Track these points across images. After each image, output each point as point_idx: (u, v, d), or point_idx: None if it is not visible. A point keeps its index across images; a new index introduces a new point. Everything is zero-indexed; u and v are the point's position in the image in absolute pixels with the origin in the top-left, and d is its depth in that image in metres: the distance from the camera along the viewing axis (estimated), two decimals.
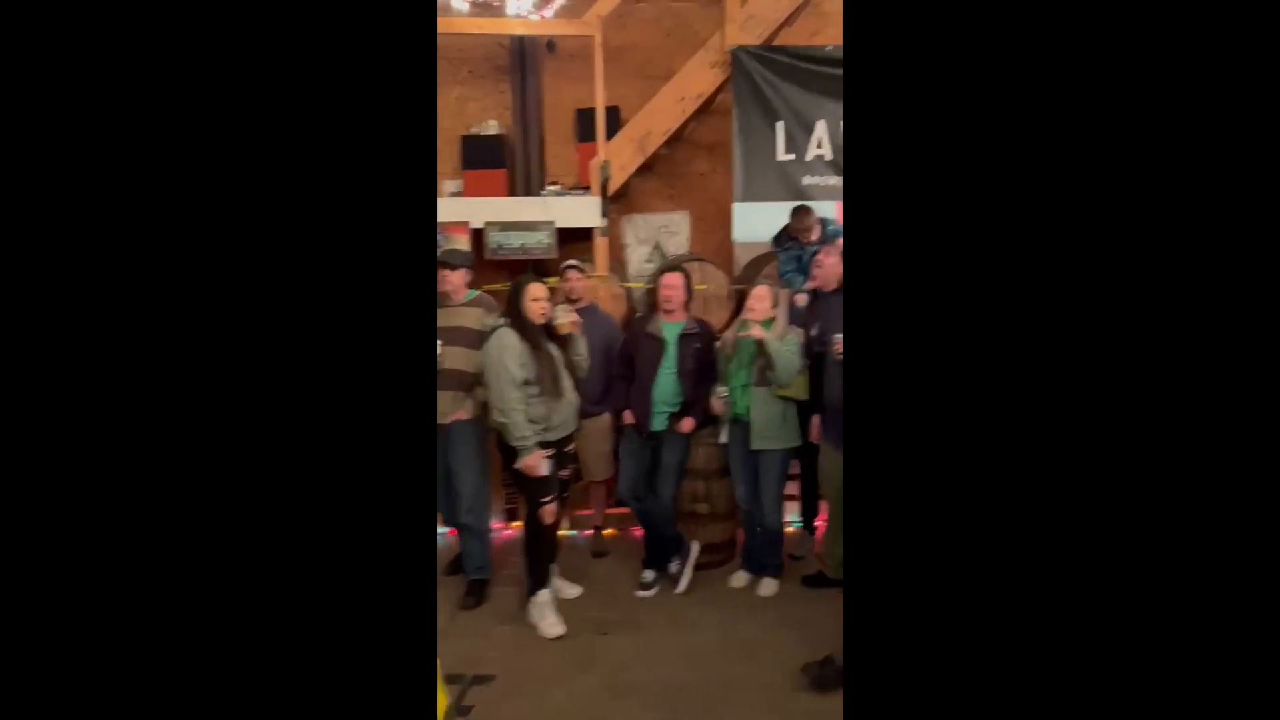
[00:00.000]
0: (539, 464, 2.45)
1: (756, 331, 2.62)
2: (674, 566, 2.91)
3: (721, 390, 2.79)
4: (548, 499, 2.52)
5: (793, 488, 3.09)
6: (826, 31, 4.72)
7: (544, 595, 2.62)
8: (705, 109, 4.06)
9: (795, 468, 2.98)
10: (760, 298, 2.72)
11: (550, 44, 4.23)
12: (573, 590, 2.86)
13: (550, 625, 2.57)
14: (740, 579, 2.95)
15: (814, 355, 2.72)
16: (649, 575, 2.92)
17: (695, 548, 2.94)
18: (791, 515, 3.19)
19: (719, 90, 3.90)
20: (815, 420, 2.79)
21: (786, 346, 2.65)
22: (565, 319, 2.53)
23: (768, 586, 2.88)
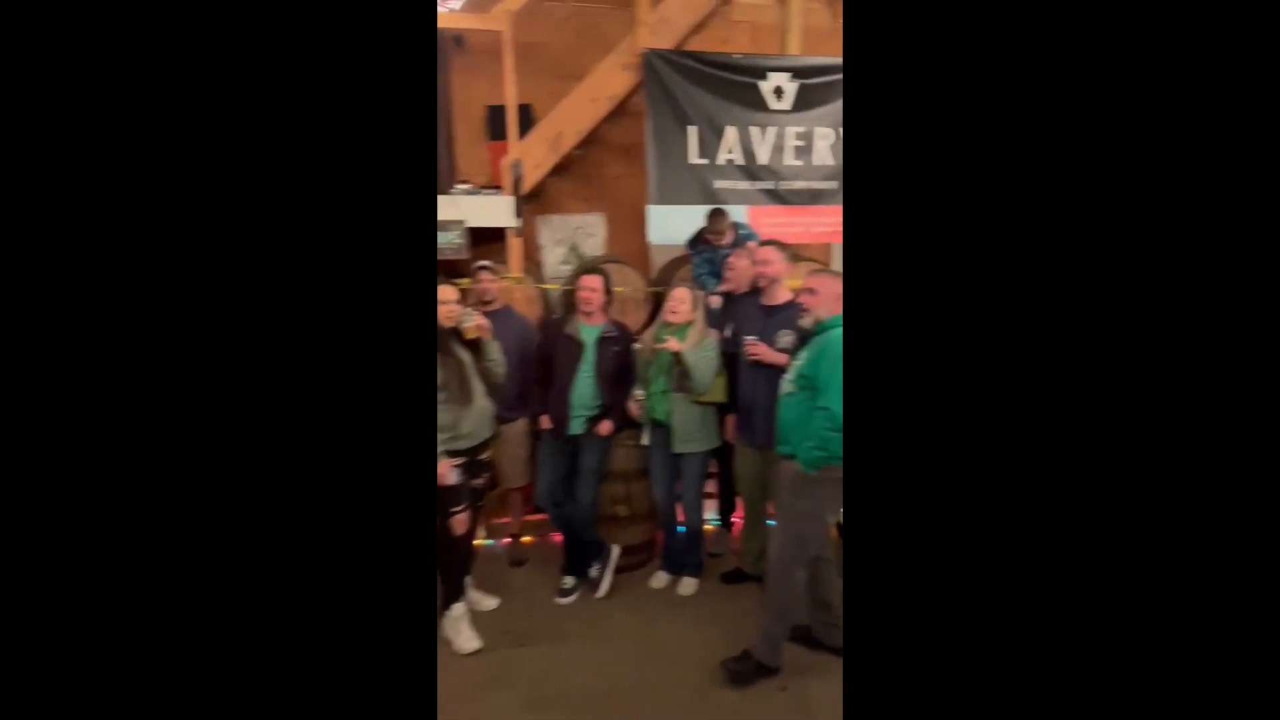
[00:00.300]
0: (446, 473, 2.35)
1: (672, 345, 2.63)
2: (594, 571, 2.88)
3: (639, 394, 2.79)
4: (458, 509, 2.42)
5: (710, 486, 3.13)
6: (736, 40, 4.85)
7: (458, 609, 2.52)
8: (619, 111, 4.06)
9: (713, 466, 3.03)
10: (680, 300, 2.74)
11: (458, 39, 4.10)
12: (489, 602, 2.77)
13: (465, 640, 2.48)
14: (660, 580, 2.96)
15: (728, 356, 2.77)
16: (569, 581, 2.87)
17: (615, 551, 2.92)
18: (709, 513, 3.24)
19: (632, 92, 3.91)
20: (730, 420, 2.84)
21: (704, 353, 2.68)
22: (471, 323, 2.45)
23: (687, 585, 2.90)
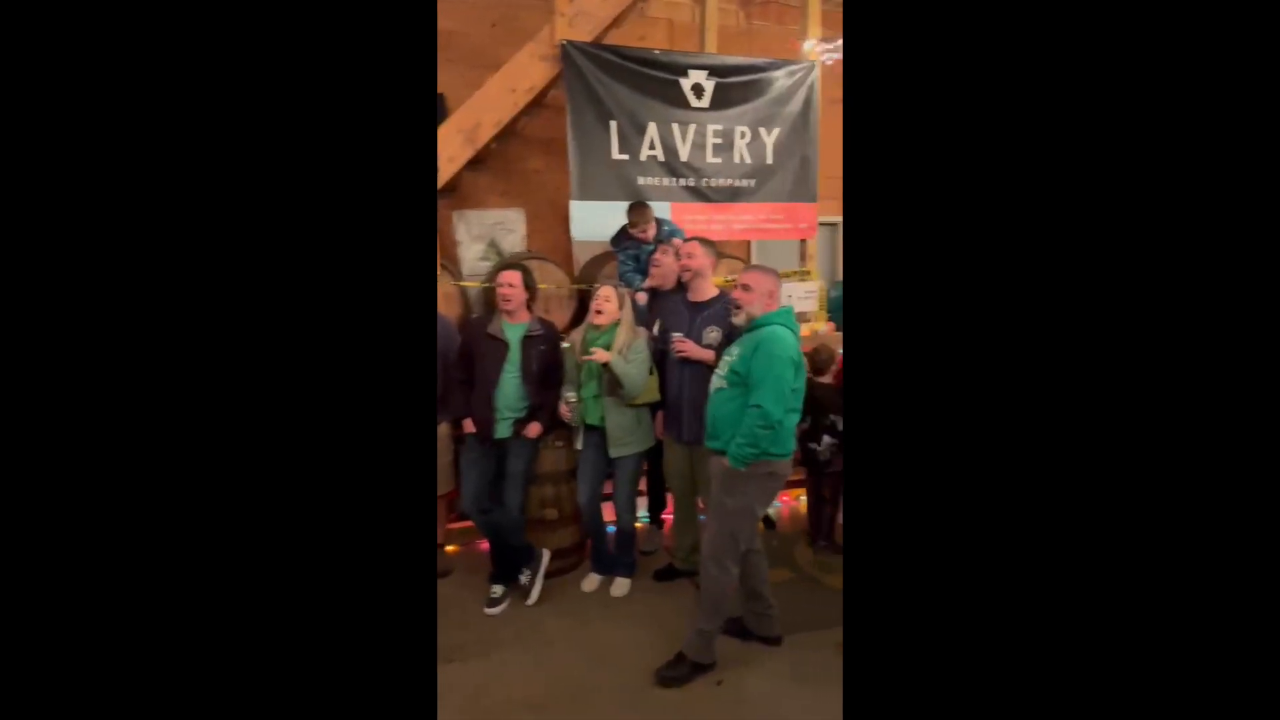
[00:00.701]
0: None
1: (600, 355, 2.59)
2: (524, 578, 2.80)
3: (570, 395, 2.73)
4: None
5: (640, 483, 3.12)
6: (653, 37, 4.86)
7: None
8: (538, 103, 3.96)
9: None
10: (606, 299, 2.70)
11: None
12: None
13: None
14: (592, 582, 2.92)
15: (657, 353, 2.76)
16: (497, 590, 2.78)
17: (545, 556, 2.85)
18: (640, 511, 3.23)
19: (550, 85, 3.83)
20: (659, 416, 2.84)
21: (635, 356, 2.65)
22: None
23: (620, 586, 2.88)
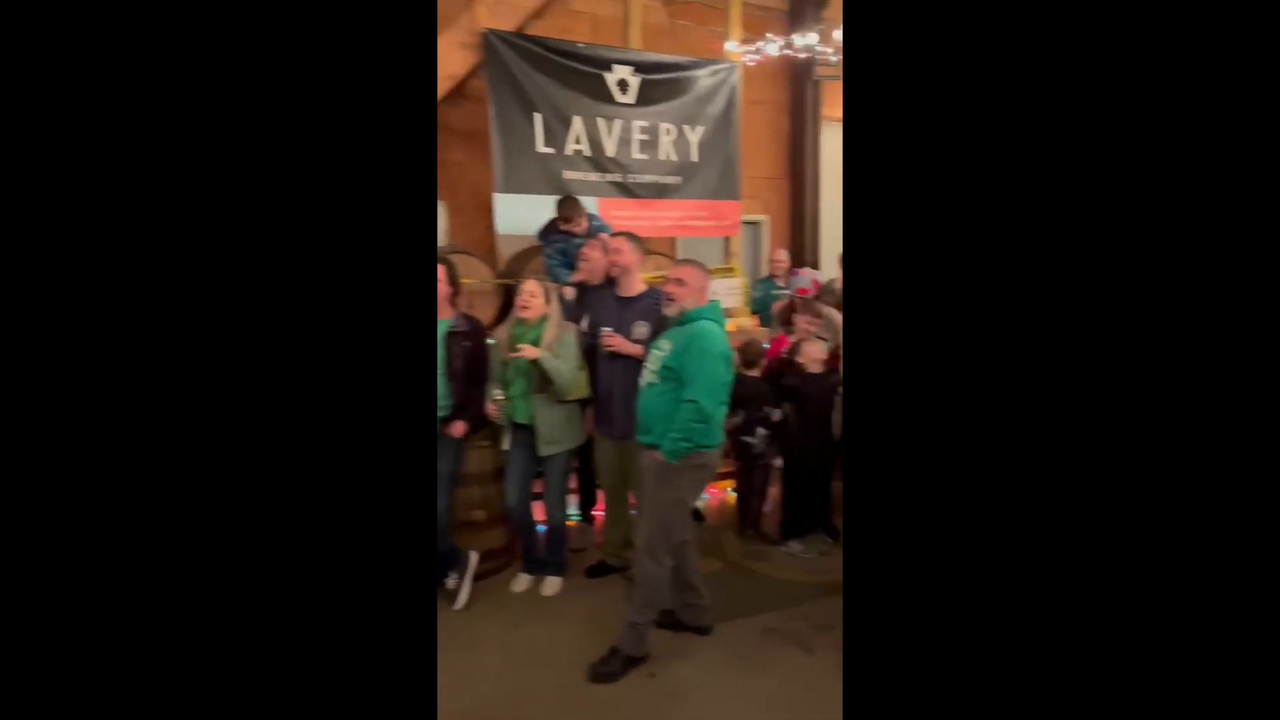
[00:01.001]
0: None
1: (529, 352, 2.54)
2: (451, 581, 2.71)
3: (497, 394, 2.66)
4: None
5: (570, 480, 3.09)
6: (576, 30, 4.81)
7: None
8: (458, 94, 3.84)
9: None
10: (532, 294, 2.65)
11: None
12: None
13: None
14: (522, 582, 2.87)
15: (586, 349, 2.74)
16: None
17: (474, 558, 2.77)
18: (570, 508, 3.19)
19: (470, 74, 3.72)
20: (589, 412, 2.82)
21: (564, 351, 2.61)
22: None
23: (551, 585, 2.84)
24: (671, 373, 2.15)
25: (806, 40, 4.72)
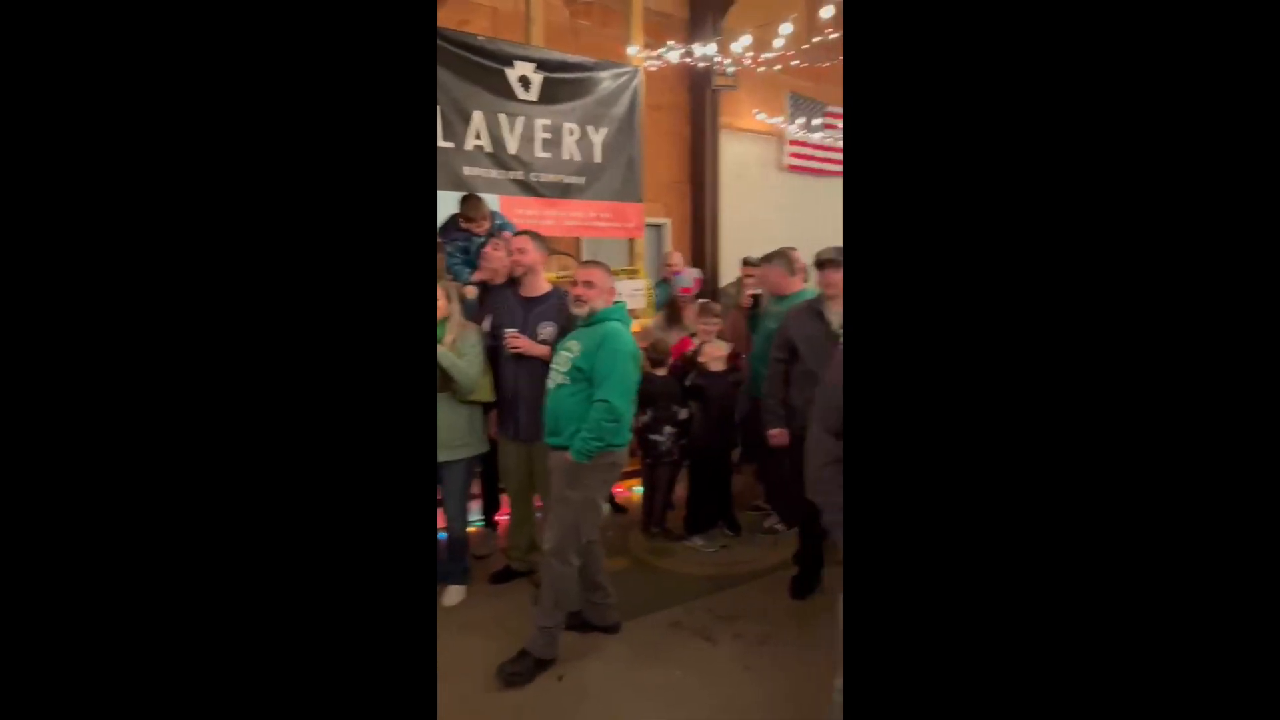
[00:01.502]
0: None
1: None
2: None
3: None
4: None
5: (473, 486, 3.00)
6: (476, 23, 4.69)
7: None
8: None
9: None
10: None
11: None
12: None
13: None
14: None
15: (488, 350, 2.68)
16: None
17: None
18: (473, 514, 3.11)
19: None
20: (492, 415, 2.76)
21: (467, 349, 2.54)
22: None
23: (453, 594, 2.75)
24: (582, 373, 2.15)
25: (705, 50, 4.87)
